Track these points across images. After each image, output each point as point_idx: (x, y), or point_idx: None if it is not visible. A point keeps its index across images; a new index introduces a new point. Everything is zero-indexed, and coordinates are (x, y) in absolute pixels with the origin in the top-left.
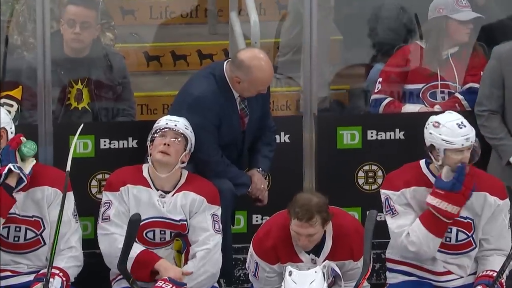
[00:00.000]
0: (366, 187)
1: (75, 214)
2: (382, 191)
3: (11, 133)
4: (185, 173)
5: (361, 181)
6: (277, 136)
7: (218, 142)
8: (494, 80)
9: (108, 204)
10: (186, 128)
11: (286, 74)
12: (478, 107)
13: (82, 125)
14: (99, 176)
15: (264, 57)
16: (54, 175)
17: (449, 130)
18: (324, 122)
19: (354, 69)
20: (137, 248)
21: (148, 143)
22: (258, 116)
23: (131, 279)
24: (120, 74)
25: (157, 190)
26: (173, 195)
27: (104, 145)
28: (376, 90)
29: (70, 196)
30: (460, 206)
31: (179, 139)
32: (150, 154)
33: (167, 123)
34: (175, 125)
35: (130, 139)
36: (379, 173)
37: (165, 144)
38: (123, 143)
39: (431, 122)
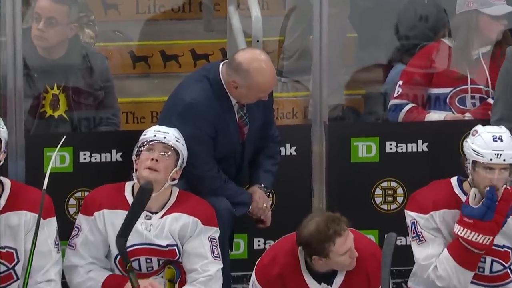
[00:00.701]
0: (384, 206)
1: (56, 243)
2: (408, 213)
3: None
4: (176, 191)
5: (378, 200)
6: (282, 148)
7: (213, 155)
8: (507, 85)
9: (77, 229)
10: (177, 141)
11: (293, 78)
12: (493, 117)
13: (64, 137)
14: (78, 194)
15: (265, 59)
16: (35, 197)
17: (482, 141)
18: (336, 132)
19: (371, 71)
20: (104, 274)
21: (134, 157)
22: (259, 125)
23: (129, 264)
24: (102, 78)
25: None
26: (161, 216)
27: (84, 158)
28: (396, 95)
29: (52, 222)
30: (493, 235)
31: (169, 153)
32: (136, 170)
33: (155, 135)
34: (165, 137)
35: (113, 151)
36: (399, 190)
37: (152, 159)
38: (106, 156)
39: (472, 130)
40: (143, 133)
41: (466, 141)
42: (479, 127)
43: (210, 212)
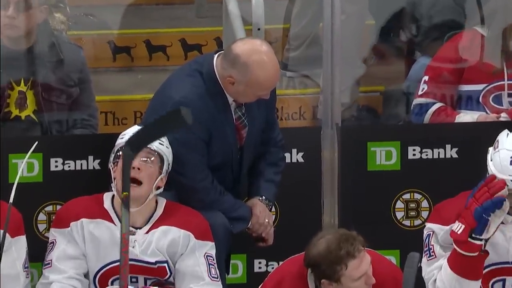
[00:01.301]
0: (407, 222)
1: (26, 266)
2: (428, 225)
3: None
4: (162, 202)
5: (399, 215)
6: (287, 154)
7: (207, 163)
8: None
9: (52, 245)
10: (160, 143)
11: (300, 72)
12: None
13: (36, 142)
14: (49, 208)
15: (266, 51)
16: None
17: (498, 160)
18: (351, 135)
19: (391, 65)
20: None
21: (111, 165)
22: (260, 127)
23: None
24: (76, 72)
25: None
26: (147, 232)
27: (56, 166)
28: (420, 93)
29: (21, 241)
30: (467, 223)
31: (152, 159)
32: (114, 180)
33: None
34: None
35: (90, 158)
36: (424, 203)
37: (133, 168)
38: (81, 164)
39: (498, 137)
40: (120, 136)
41: (488, 150)
42: (502, 137)
43: (204, 225)
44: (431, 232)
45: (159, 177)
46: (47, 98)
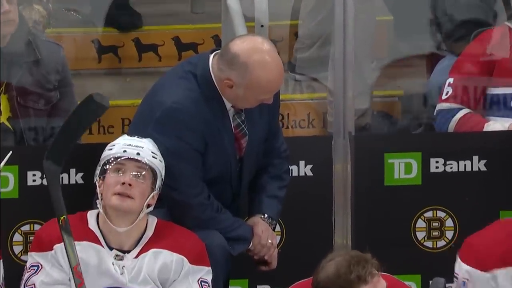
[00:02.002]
0: (429, 243)
1: None
2: (463, 266)
3: None
4: (153, 221)
5: (421, 235)
6: (294, 167)
7: (202, 176)
8: None
9: (36, 268)
10: (153, 156)
11: (309, 75)
12: None
13: (10, 152)
14: (25, 228)
15: (268, 49)
16: None
17: None
18: (365, 145)
19: (410, 65)
20: None
21: (96, 179)
22: (262, 136)
23: (63, 216)
24: (56, 74)
25: (111, 248)
26: (136, 256)
27: (34, 180)
28: (444, 97)
29: None
30: None
31: (144, 173)
32: (101, 196)
33: (124, 150)
34: (138, 153)
35: (72, 171)
36: (448, 222)
37: (124, 183)
38: (62, 178)
39: None
40: (108, 147)
41: None
42: None
43: (199, 247)
44: (466, 280)
45: (151, 194)
46: (22, 103)
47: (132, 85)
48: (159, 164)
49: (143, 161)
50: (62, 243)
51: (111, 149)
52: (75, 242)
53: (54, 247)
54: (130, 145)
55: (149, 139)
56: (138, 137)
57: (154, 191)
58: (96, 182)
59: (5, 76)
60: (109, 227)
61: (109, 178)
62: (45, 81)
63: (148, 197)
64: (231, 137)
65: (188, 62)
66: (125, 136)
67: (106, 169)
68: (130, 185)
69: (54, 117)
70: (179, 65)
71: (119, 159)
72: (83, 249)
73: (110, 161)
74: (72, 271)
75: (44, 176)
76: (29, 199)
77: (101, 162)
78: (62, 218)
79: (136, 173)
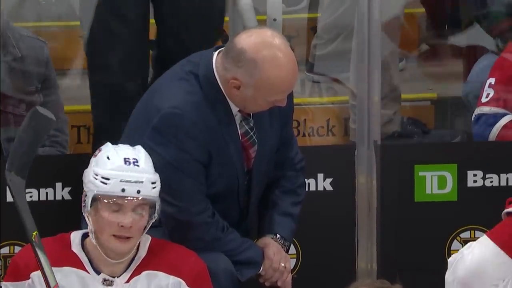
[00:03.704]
0: None
1: None
2: None
3: None
4: (147, 240)
5: None
6: (311, 181)
7: (206, 191)
8: None
9: None
10: (154, 187)
11: (329, 75)
12: None
13: None
14: (5, 251)
15: (280, 44)
16: None
17: None
18: (393, 156)
19: (445, 64)
20: None
21: (84, 204)
22: (273, 144)
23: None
24: (39, 74)
25: (98, 273)
26: (127, 280)
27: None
28: (484, 100)
29: None
30: None
31: (145, 208)
32: (94, 231)
33: (123, 188)
34: (139, 191)
35: (58, 185)
36: None
37: (122, 226)
38: (47, 193)
39: None
40: (100, 176)
41: None
42: None
43: (199, 267)
44: None
45: (149, 223)
46: (1, 108)
47: None
48: (158, 191)
49: (144, 198)
50: (39, 271)
51: (105, 183)
52: (54, 268)
53: (31, 275)
54: (129, 181)
55: (145, 154)
56: (134, 161)
57: (152, 219)
58: (84, 210)
59: None
60: (99, 255)
61: (104, 217)
62: (26, 82)
63: (146, 228)
64: (238, 146)
65: (189, 61)
66: (118, 160)
67: (99, 197)
68: (130, 226)
69: None
70: (179, 64)
71: (116, 198)
72: (64, 275)
73: (105, 198)
74: None
75: (8, 189)
76: (9, 218)
77: (91, 193)
78: (34, 233)
79: (138, 211)
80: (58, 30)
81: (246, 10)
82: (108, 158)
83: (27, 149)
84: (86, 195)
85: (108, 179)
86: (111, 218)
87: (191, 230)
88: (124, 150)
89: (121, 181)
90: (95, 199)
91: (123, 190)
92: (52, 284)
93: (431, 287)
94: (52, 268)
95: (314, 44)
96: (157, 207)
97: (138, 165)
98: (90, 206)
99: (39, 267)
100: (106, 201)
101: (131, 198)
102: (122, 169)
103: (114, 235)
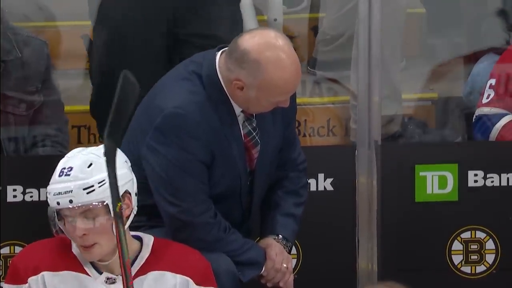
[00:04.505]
0: (467, 269)
1: None
2: None
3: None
4: (149, 240)
5: (457, 259)
6: (312, 181)
7: (208, 192)
8: None
9: None
10: (91, 191)
11: (329, 75)
12: None
13: None
14: (5, 251)
15: (283, 45)
16: None
17: None
18: (394, 156)
19: (446, 64)
20: None
21: (52, 217)
22: (276, 145)
23: (119, 204)
24: (39, 74)
25: (100, 272)
26: (131, 279)
27: (14, 196)
28: (485, 101)
29: None
30: None
31: (93, 215)
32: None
33: (58, 202)
34: (71, 200)
35: None
36: (489, 244)
37: (80, 237)
38: (40, 193)
39: None
40: (51, 181)
41: None
42: None
43: (204, 265)
44: None
45: (130, 217)
46: (1, 108)
47: None
48: (100, 193)
49: (78, 206)
50: (38, 276)
51: (49, 198)
52: (52, 273)
53: (29, 280)
54: (59, 193)
55: (87, 159)
56: (67, 171)
57: (112, 216)
58: (55, 224)
59: None
60: None
61: (65, 230)
62: (26, 82)
63: (112, 227)
64: (241, 146)
65: (192, 61)
66: (56, 172)
67: (58, 211)
68: (85, 234)
69: (37, 124)
70: (181, 64)
71: (61, 212)
72: (62, 280)
73: (55, 212)
74: (124, 266)
75: (104, 154)
76: (10, 218)
77: (49, 198)
78: (119, 204)
79: (82, 222)
80: (59, 30)
81: (246, 10)
82: (55, 171)
83: (119, 115)
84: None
85: (49, 194)
86: (68, 227)
87: (193, 231)
88: (67, 160)
89: (54, 194)
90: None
91: (58, 203)
92: (125, 258)
93: (431, 287)
94: (50, 273)
95: (318, 40)
96: (110, 206)
97: (69, 174)
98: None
99: (118, 241)
100: (57, 215)
101: (64, 206)
102: (55, 182)
103: (81, 246)
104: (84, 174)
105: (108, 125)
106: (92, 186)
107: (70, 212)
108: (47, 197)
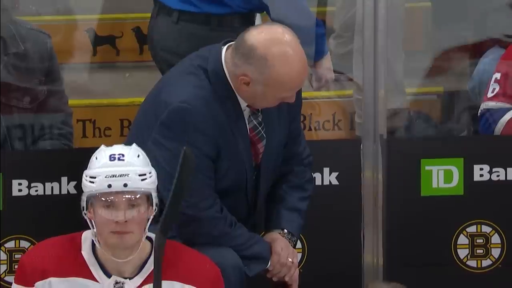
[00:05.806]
0: (472, 263)
1: None
2: None
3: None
4: None
5: (463, 253)
6: (317, 175)
7: (214, 186)
8: None
9: None
10: (143, 179)
11: (343, 71)
12: None
13: None
14: (10, 245)
15: (290, 41)
16: None
17: None
18: (399, 150)
19: (451, 58)
20: None
21: (83, 205)
22: (281, 140)
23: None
24: (43, 67)
25: (109, 276)
26: (140, 286)
27: (19, 190)
28: (490, 95)
29: None
30: None
31: (139, 202)
32: (95, 230)
33: (109, 184)
34: (125, 184)
35: (64, 180)
36: (495, 238)
37: (117, 222)
38: (52, 188)
39: None
40: (88, 177)
41: None
42: None
43: (214, 273)
44: None
45: (150, 217)
46: (5, 101)
47: (132, 81)
48: (150, 183)
49: (135, 191)
50: (44, 281)
51: (92, 182)
52: (60, 279)
53: (36, 284)
54: (114, 176)
55: (133, 147)
56: (120, 156)
57: (151, 212)
58: (84, 211)
59: None
60: (106, 255)
61: (100, 215)
62: (30, 75)
63: (148, 222)
64: (247, 141)
65: (198, 55)
66: (104, 158)
67: (92, 198)
68: (126, 221)
69: (42, 116)
70: (187, 58)
71: (105, 195)
72: (70, 286)
73: (96, 196)
74: None
75: (154, 249)
76: (15, 212)
77: (84, 195)
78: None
79: (131, 206)
80: (63, 23)
81: None
82: (96, 158)
83: (174, 209)
84: (81, 199)
85: (94, 177)
86: (106, 215)
87: (199, 225)
88: (112, 149)
89: (106, 177)
90: (88, 200)
91: (109, 186)
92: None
93: (437, 281)
94: (57, 279)
95: (334, 44)
96: (154, 199)
97: (123, 160)
98: (86, 208)
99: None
100: (97, 199)
101: (119, 191)
102: (106, 166)
103: (112, 233)
104: (138, 162)
105: (162, 219)
106: (145, 174)
107: (116, 197)
108: (83, 182)
